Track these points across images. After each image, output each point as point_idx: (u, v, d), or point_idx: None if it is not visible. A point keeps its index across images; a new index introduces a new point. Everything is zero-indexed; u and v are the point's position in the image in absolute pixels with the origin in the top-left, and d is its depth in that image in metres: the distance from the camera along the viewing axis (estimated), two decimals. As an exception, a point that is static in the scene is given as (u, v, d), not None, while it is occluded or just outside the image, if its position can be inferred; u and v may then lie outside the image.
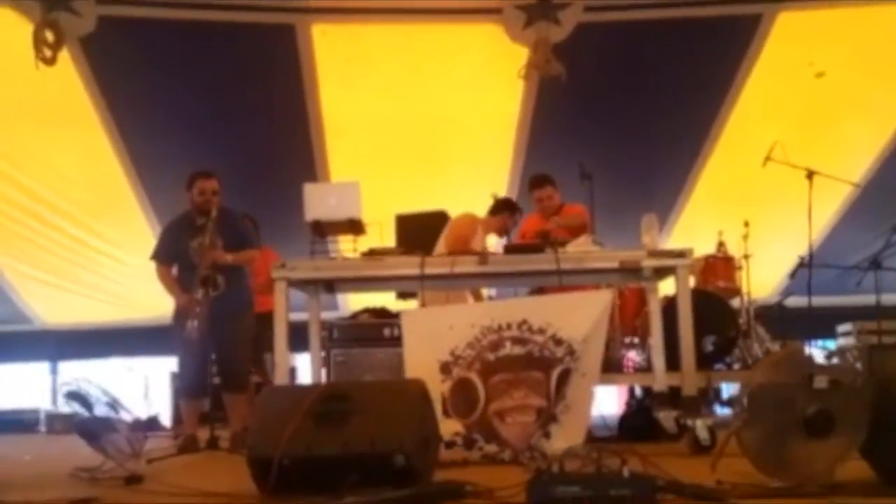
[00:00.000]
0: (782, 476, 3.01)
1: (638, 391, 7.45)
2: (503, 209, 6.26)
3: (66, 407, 4.99)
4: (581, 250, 4.82)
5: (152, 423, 7.83)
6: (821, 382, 3.00)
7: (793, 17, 6.92)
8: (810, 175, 6.96)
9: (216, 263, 5.67)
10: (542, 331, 4.49)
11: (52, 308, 9.78)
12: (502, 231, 6.25)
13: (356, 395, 3.40)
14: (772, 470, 3.05)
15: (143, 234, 8.32)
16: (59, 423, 8.84)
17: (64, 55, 6.75)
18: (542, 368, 4.45)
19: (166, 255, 6.00)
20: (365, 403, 3.35)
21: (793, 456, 3.02)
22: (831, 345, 8.91)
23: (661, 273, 5.03)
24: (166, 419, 8.25)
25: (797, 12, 6.88)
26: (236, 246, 5.88)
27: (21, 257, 8.99)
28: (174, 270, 5.94)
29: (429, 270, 4.69)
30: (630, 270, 4.89)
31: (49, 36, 6.50)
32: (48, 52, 6.51)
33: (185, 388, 6.05)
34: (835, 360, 7.61)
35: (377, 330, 7.05)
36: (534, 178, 6.38)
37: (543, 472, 2.83)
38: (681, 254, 4.81)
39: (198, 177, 5.90)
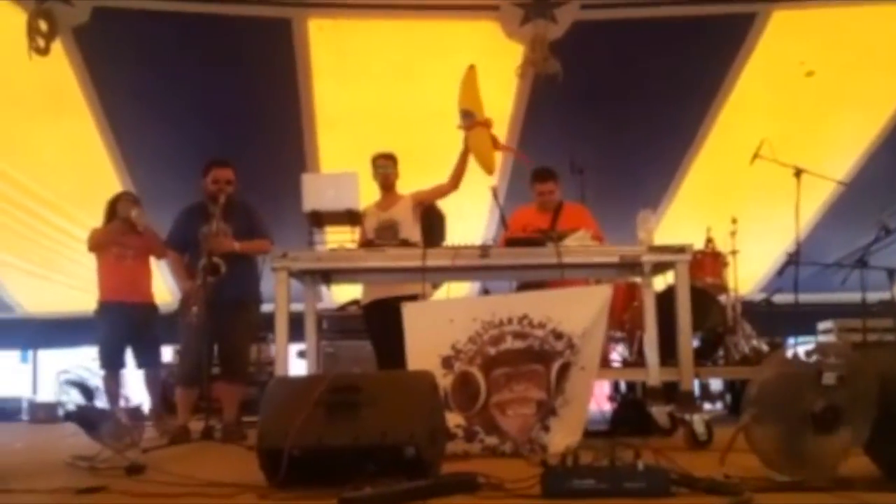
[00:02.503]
0: (789, 471, 3.05)
1: (622, 385, 7.53)
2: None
3: (62, 394, 4.97)
4: (581, 245, 4.85)
5: (136, 413, 7.78)
6: (829, 378, 3.04)
7: (787, 16, 6.99)
8: (798, 173, 7.05)
9: (222, 251, 5.68)
10: (542, 325, 4.52)
11: (33, 297, 9.70)
12: None
13: (366, 386, 3.41)
14: (779, 465, 3.09)
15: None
16: (41, 412, 8.82)
17: (56, 45, 6.71)
18: (542, 362, 4.49)
19: (177, 241, 6.09)
20: (375, 395, 3.35)
21: (800, 451, 3.06)
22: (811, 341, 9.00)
23: (658, 268, 5.08)
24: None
25: (791, 11, 6.95)
26: (247, 235, 5.90)
27: (5, 247, 8.92)
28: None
29: (430, 262, 4.71)
30: (629, 265, 4.93)
31: (43, 26, 6.46)
32: (42, 42, 6.48)
33: (182, 376, 6.05)
34: (814, 358, 7.69)
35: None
36: (538, 170, 6.40)
37: (558, 464, 2.86)
38: (681, 249, 4.85)
39: (213, 164, 5.96)
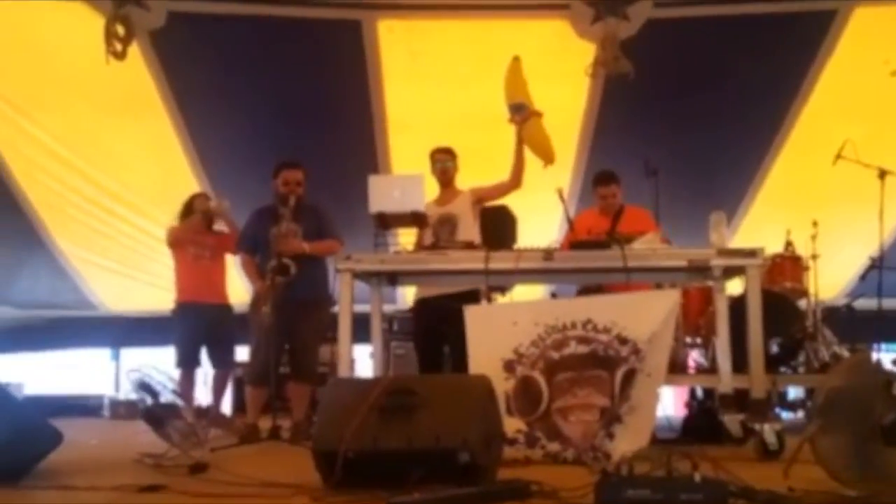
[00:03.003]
0: (857, 485, 2.94)
1: (699, 392, 7.37)
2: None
3: (131, 393, 5.07)
4: (648, 248, 4.74)
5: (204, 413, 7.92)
6: (899, 389, 2.92)
7: (869, 13, 6.75)
8: (882, 175, 6.81)
9: (291, 252, 5.73)
10: (607, 330, 4.44)
11: (115, 295, 9.93)
12: None
13: (421, 389, 3.40)
14: (846, 478, 2.97)
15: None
16: (122, 409, 9.01)
17: (133, 49, 6.83)
18: (606, 368, 4.41)
19: (248, 242, 6.19)
20: (430, 398, 3.35)
21: (868, 464, 2.95)
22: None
23: (730, 272, 4.94)
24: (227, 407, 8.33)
25: (873, 7, 6.71)
26: (316, 236, 5.96)
27: (88, 246, 9.14)
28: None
29: (493, 265, 4.66)
30: (698, 269, 4.81)
31: (120, 30, 6.58)
32: (118, 46, 6.60)
33: (252, 375, 6.11)
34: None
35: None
36: (600, 174, 6.33)
37: (612, 473, 2.80)
38: (751, 253, 4.71)
39: (283, 166, 6.05)
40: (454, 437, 3.18)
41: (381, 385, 3.43)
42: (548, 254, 4.69)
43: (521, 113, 5.46)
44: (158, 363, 5.10)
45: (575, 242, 5.14)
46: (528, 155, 5.72)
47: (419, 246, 5.56)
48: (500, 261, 4.70)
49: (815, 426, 3.03)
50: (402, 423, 3.27)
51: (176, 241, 6.79)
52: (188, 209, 6.86)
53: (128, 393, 7.84)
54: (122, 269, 9.49)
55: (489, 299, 7.27)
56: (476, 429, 3.25)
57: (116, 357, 10.74)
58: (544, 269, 4.76)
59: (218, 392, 6.97)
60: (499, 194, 5.96)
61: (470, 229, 5.81)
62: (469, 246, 4.95)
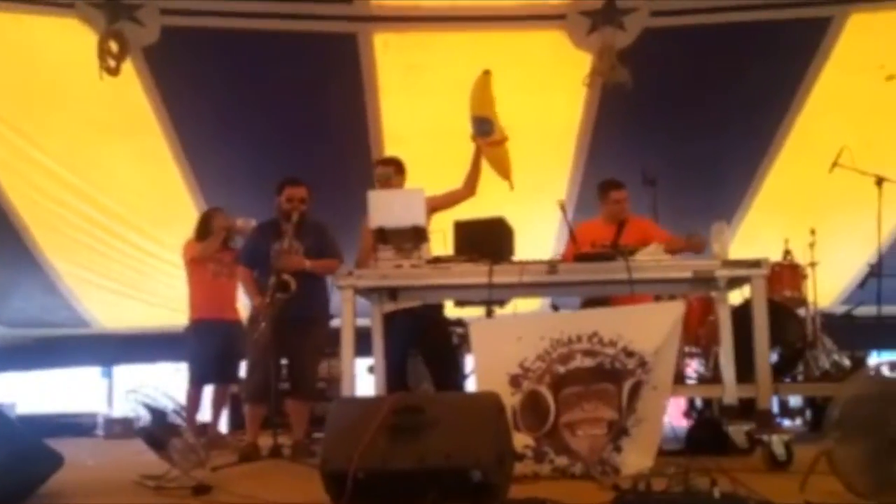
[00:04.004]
0: (875, 496, 2.91)
1: (698, 402, 7.34)
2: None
3: (131, 412, 5.01)
4: (653, 259, 4.71)
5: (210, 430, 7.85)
6: (917, 400, 2.89)
7: (864, 19, 6.75)
8: (880, 182, 6.82)
9: (292, 268, 5.71)
10: (613, 343, 4.39)
11: (108, 312, 9.85)
12: None
13: (431, 407, 3.34)
14: (864, 490, 2.94)
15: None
16: (117, 427, 8.93)
17: (126, 65, 6.79)
18: (613, 381, 4.36)
19: (249, 257, 6.18)
20: (440, 416, 3.29)
21: (886, 476, 2.92)
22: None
23: (733, 283, 4.92)
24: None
25: (869, 14, 6.70)
26: (318, 254, 5.94)
27: (83, 263, 9.07)
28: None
29: (497, 279, 4.62)
30: (703, 280, 4.78)
31: (113, 46, 6.54)
32: (112, 63, 6.56)
33: (250, 392, 6.07)
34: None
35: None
36: (611, 180, 6.33)
37: (630, 490, 2.75)
38: (756, 263, 4.68)
39: (287, 183, 6.04)
40: (466, 456, 3.12)
41: (388, 403, 3.37)
42: (551, 267, 4.65)
43: (483, 127, 5.41)
44: (153, 380, 5.05)
45: (579, 255, 5.10)
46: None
47: (364, 261, 5.56)
48: (504, 274, 4.65)
49: (831, 439, 2.99)
50: (412, 441, 3.21)
51: (199, 259, 6.74)
52: (205, 225, 6.83)
53: (124, 411, 7.78)
54: (116, 286, 9.42)
55: (488, 313, 7.26)
56: (488, 446, 3.20)
57: (109, 375, 10.68)
58: (548, 282, 4.71)
59: (217, 408, 6.93)
60: (452, 202, 5.87)
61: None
62: (470, 259, 4.87)
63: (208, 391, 7.02)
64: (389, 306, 5.61)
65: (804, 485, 3.05)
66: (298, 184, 6.05)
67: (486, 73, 5.47)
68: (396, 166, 6.00)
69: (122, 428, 8.81)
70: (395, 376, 5.71)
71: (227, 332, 6.76)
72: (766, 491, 2.99)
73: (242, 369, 7.30)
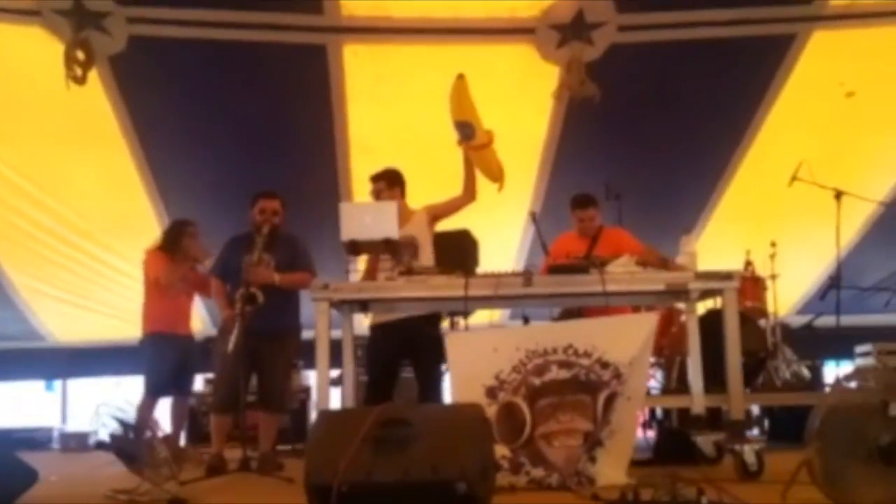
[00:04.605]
0: (854, 506, 2.96)
1: (658, 412, 7.41)
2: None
3: (101, 425, 4.94)
4: (627, 271, 4.75)
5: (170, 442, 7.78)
6: (896, 410, 2.95)
7: (826, 37, 6.87)
8: (838, 195, 6.98)
9: (260, 281, 5.68)
10: (587, 354, 4.44)
11: (64, 325, 9.70)
12: None
13: (415, 419, 3.34)
14: (844, 500, 2.99)
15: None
16: (72, 442, 8.81)
17: (91, 74, 6.69)
18: (588, 392, 4.41)
19: (220, 269, 6.15)
20: (424, 428, 3.29)
21: (865, 486, 2.97)
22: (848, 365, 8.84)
23: (703, 294, 5.00)
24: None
25: (831, 32, 6.83)
26: (289, 267, 5.93)
27: (39, 276, 8.92)
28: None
29: (472, 292, 4.63)
30: (676, 292, 4.84)
31: (80, 55, 6.46)
32: (79, 71, 6.48)
33: (217, 403, 6.03)
34: (854, 383, 7.55)
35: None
36: (578, 197, 6.35)
37: (618, 500, 2.78)
38: (728, 276, 4.76)
39: (260, 196, 6.04)
40: (451, 468, 3.13)
41: (372, 416, 3.36)
42: (527, 279, 4.67)
43: (465, 132, 5.43)
44: (106, 393, 4.96)
45: (552, 266, 5.14)
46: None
47: (371, 272, 5.51)
48: (480, 287, 4.66)
49: (812, 449, 3.04)
50: (396, 454, 3.22)
51: (171, 284, 6.65)
52: (174, 237, 6.71)
53: (85, 424, 7.65)
54: (73, 298, 9.27)
55: (452, 324, 7.26)
56: (473, 458, 3.22)
57: (52, 388, 10.51)
58: (524, 294, 4.73)
59: (177, 421, 6.87)
60: (453, 209, 5.82)
61: (426, 249, 5.72)
62: (445, 271, 4.87)
63: (161, 405, 6.95)
64: (381, 317, 5.65)
65: (786, 494, 3.09)
66: (272, 196, 6.04)
67: (461, 77, 5.45)
68: (387, 180, 5.85)
69: (77, 442, 8.71)
70: (378, 389, 5.67)
71: (181, 346, 6.74)
72: (747, 500, 3.03)
73: (196, 383, 7.56)
